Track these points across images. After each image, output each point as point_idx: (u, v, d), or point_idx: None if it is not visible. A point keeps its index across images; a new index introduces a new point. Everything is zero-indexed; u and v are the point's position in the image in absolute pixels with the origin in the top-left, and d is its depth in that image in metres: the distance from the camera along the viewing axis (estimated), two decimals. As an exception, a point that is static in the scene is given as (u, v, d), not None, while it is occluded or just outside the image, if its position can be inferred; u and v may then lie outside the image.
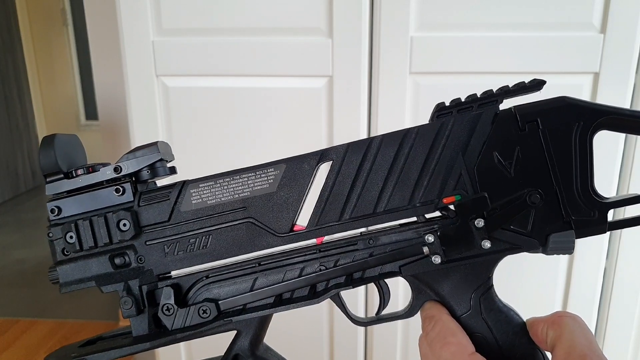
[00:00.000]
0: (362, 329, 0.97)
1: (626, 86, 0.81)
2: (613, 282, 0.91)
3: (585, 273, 0.90)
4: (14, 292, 2.16)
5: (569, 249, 0.34)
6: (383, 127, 0.87)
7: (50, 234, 0.37)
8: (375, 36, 0.84)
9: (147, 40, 0.88)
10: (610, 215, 0.35)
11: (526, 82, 0.34)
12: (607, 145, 0.83)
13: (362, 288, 0.94)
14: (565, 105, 0.33)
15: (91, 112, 4.02)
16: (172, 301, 0.36)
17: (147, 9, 0.87)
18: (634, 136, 0.83)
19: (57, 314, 1.93)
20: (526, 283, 0.92)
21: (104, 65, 1.32)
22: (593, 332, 0.99)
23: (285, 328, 0.94)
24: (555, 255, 0.35)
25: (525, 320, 0.36)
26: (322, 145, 0.90)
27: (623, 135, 0.83)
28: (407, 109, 0.86)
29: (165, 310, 0.36)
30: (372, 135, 0.89)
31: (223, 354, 0.38)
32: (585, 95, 0.83)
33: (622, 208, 0.36)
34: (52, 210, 0.36)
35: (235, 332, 0.38)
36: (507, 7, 0.80)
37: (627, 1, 0.78)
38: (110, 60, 1.29)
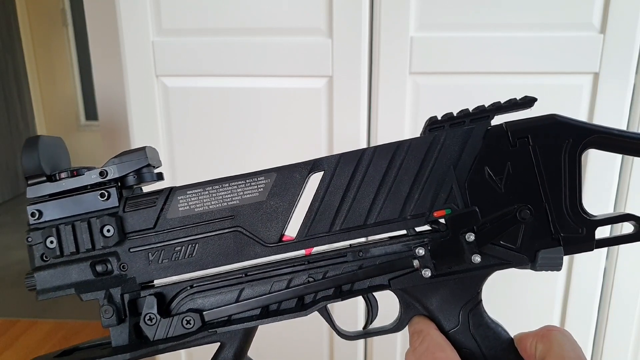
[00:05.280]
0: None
1: (626, 86, 0.81)
2: (613, 282, 0.91)
3: (585, 273, 0.90)
4: (14, 292, 2.16)
5: (557, 266, 0.34)
6: (383, 127, 0.87)
7: (30, 239, 0.35)
8: (375, 36, 0.84)
9: (147, 40, 0.88)
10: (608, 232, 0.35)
11: (518, 99, 0.34)
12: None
13: (361, 299, 0.93)
14: (554, 123, 0.34)
15: (91, 112, 4.02)
16: (154, 311, 0.35)
17: (147, 9, 0.87)
18: (630, 156, 0.83)
19: (57, 314, 1.93)
20: (527, 283, 0.92)
21: (104, 65, 1.32)
22: (593, 333, 0.98)
23: (286, 333, 0.94)
24: (543, 271, 0.35)
25: (513, 336, 0.36)
26: (322, 145, 0.90)
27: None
28: (407, 109, 0.86)
29: (148, 320, 0.35)
30: (371, 135, 0.89)
31: None
32: (585, 96, 0.83)
33: (618, 225, 0.36)
34: (33, 214, 0.35)
35: (219, 344, 0.37)
36: (507, 7, 0.80)
37: (627, 1, 0.78)
38: (110, 61, 1.29)
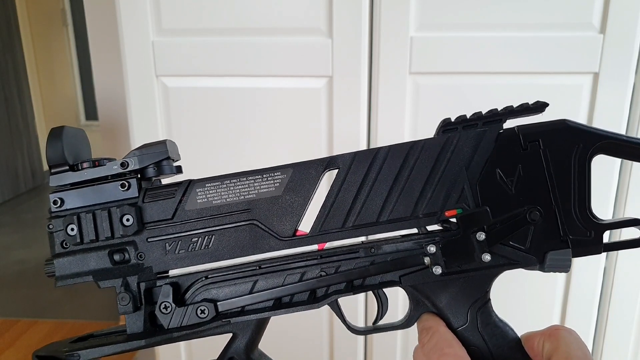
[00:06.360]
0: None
1: (626, 86, 0.81)
2: (613, 282, 0.91)
3: (585, 273, 0.90)
4: (14, 292, 2.16)
5: (565, 267, 0.35)
6: (383, 127, 0.87)
7: (51, 226, 0.36)
8: (375, 36, 0.84)
9: (147, 40, 0.88)
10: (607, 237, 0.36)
11: (530, 103, 0.35)
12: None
13: (362, 296, 0.94)
14: (565, 128, 0.35)
15: (91, 112, 4.02)
16: (170, 299, 0.36)
17: (147, 9, 0.87)
18: (630, 161, 0.84)
19: (57, 314, 1.93)
20: (527, 282, 0.92)
21: (104, 65, 1.32)
22: (593, 333, 0.99)
23: (286, 332, 0.94)
24: (551, 273, 0.36)
25: (520, 335, 0.37)
26: (322, 145, 0.90)
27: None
28: (406, 109, 0.86)
29: (163, 308, 0.36)
30: (371, 135, 0.89)
31: (217, 357, 0.38)
32: (585, 96, 0.83)
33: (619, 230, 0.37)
34: (55, 202, 0.36)
35: (231, 334, 0.37)
36: (507, 7, 0.80)
37: (627, 1, 0.78)
38: (110, 60, 1.29)
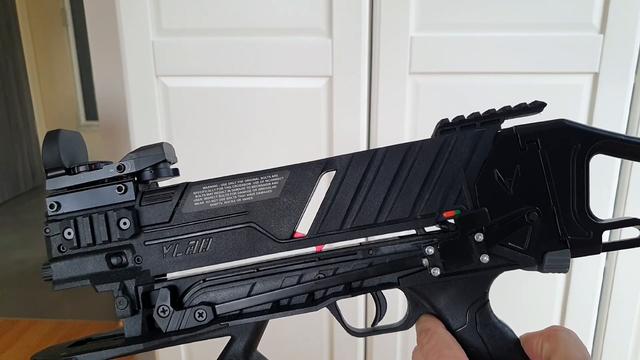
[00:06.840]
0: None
1: (626, 86, 0.81)
2: (613, 282, 0.91)
3: (585, 273, 0.90)
4: (14, 292, 2.16)
5: (564, 268, 0.35)
6: (383, 127, 0.87)
7: (48, 230, 0.36)
8: (375, 36, 0.84)
9: (147, 40, 0.88)
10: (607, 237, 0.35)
11: (527, 103, 0.35)
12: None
13: (361, 298, 0.94)
14: (563, 128, 0.34)
15: (91, 112, 4.03)
16: (168, 303, 0.36)
17: (147, 9, 0.87)
18: (630, 161, 0.84)
19: (57, 314, 1.93)
20: (526, 282, 0.92)
21: (104, 65, 1.32)
22: (593, 333, 0.98)
23: (286, 333, 0.94)
24: (550, 273, 0.36)
25: (519, 336, 0.37)
26: (322, 145, 0.90)
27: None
28: (406, 109, 0.86)
29: (161, 311, 0.36)
30: (371, 135, 0.89)
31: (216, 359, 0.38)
32: (585, 96, 0.83)
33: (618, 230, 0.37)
34: (52, 206, 0.36)
35: (229, 337, 0.37)
36: (507, 7, 0.80)
37: (627, 1, 0.78)
38: (110, 61, 1.29)
